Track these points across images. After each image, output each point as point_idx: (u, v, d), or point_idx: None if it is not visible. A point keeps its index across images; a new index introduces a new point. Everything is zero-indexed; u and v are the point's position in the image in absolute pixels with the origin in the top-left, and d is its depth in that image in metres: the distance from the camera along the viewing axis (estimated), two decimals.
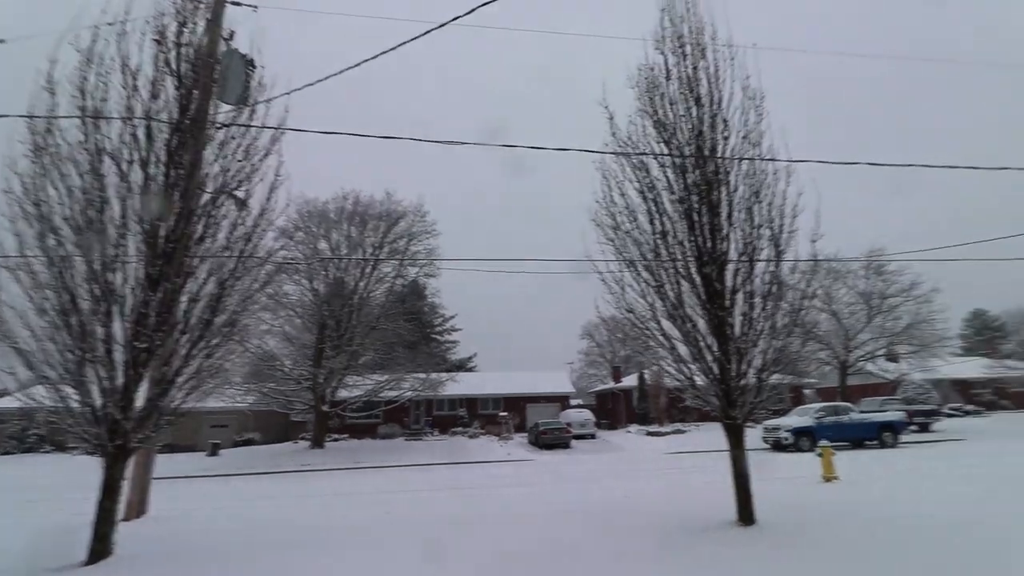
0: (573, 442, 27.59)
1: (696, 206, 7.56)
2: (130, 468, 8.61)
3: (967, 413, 34.62)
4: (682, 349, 7.72)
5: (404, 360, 29.87)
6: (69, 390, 6.45)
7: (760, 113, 7.62)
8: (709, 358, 7.43)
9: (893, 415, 22.31)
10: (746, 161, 7.58)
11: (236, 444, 30.21)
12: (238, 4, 9.33)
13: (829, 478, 11.80)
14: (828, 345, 32.67)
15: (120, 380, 6.54)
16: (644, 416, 35.73)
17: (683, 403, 9.75)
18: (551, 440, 26.45)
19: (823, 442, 12.88)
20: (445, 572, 6.06)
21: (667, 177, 7.79)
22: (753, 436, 16.65)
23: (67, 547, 6.53)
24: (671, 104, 7.82)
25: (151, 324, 6.58)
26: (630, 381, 39.77)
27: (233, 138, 7.56)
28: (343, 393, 28.60)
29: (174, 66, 7.12)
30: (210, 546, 7.46)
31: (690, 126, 7.70)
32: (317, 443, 27.31)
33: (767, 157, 7.54)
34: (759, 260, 7.45)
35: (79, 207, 6.55)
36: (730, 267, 7.48)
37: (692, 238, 7.56)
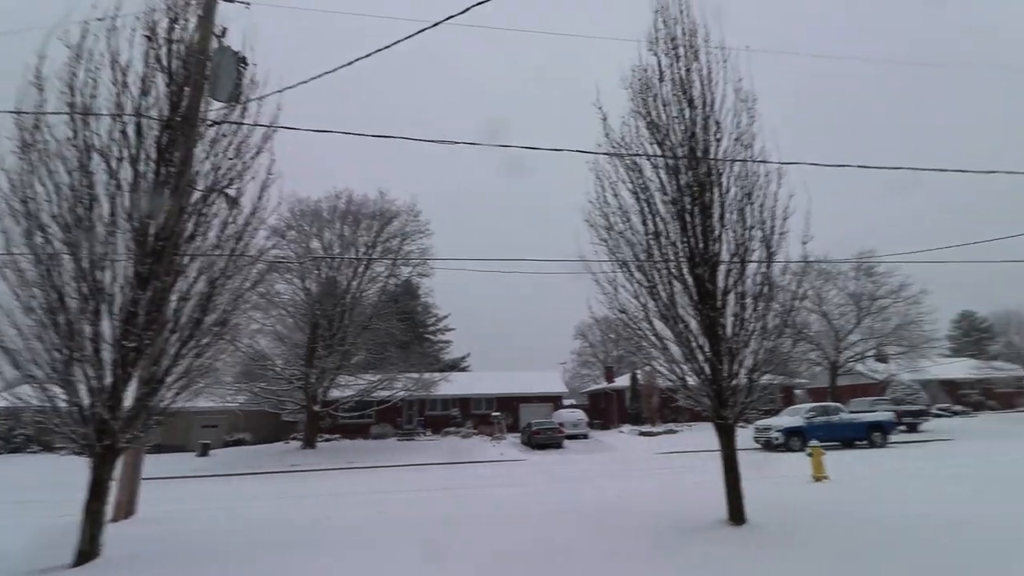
0: (566, 442, 27.62)
1: (689, 207, 7.59)
2: (118, 469, 8.52)
3: (955, 413, 35.04)
4: (674, 349, 7.75)
5: (397, 360, 29.77)
6: (56, 389, 6.36)
7: (752, 115, 7.67)
8: (701, 358, 7.47)
9: (882, 415, 22.52)
10: (738, 163, 7.62)
11: (226, 444, 30.01)
12: (231, 0, 9.26)
13: (819, 478, 11.89)
14: (818, 346, 32.95)
15: (108, 379, 6.47)
16: (637, 416, 35.86)
17: (675, 403, 9.78)
18: (544, 440, 26.47)
19: (813, 442, 12.97)
20: (445, 572, 6.05)
21: (660, 178, 7.82)
22: (744, 436, 16.70)
23: (54, 549, 6.44)
24: (664, 105, 7.85)
25: (140, 323, 6.51)
26: (623, 381, 39.88)
27: (224, 136, 7.50)
28: (335, 393, 28.47)
29: (165, 63, 7.04)
30: (200, 547, 7.39)
31: (683, 127, 7.73)
32: (309, 443, 27.17)
33: (759, 159, 7.59)
34: (751, 261, 7.49)
35: (67, 204, 6.47)
36: (722, 268, 7.52)
37: (684, 239, 7.59)
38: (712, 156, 7.63)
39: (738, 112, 7.67)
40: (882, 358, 34.54)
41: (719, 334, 7.37)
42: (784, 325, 7.66)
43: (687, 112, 7.74)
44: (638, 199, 7.89)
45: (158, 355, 6.82)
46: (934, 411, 32.03)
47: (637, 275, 7.86)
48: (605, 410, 41.88)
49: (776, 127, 7.46)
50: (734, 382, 7.40)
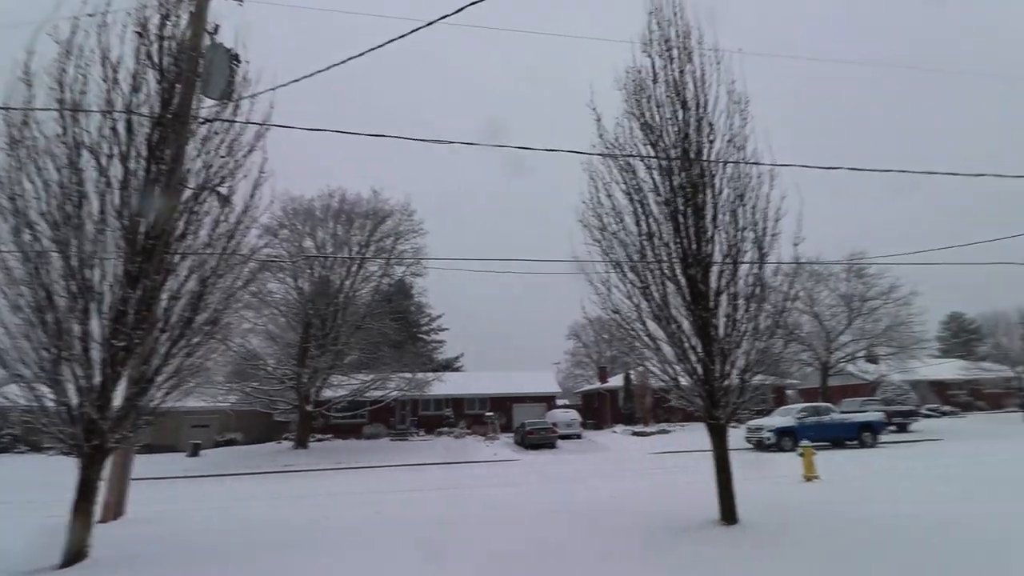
0: (559, 442, 27.65)
1: (682, 208, 7.62)
2: (107, 469, 8.44)
3: (944, 414, 35.42)
4: (667, 350, 7.78)
5: (390, 360, 29.69)
6: (44, 389, 6.29)
7: (745, 117, 7.70)
8: (693, 359, 7.49)
9: (873, 416, 22.73)
10: (731, 164, 7.66)
11: (218, 444, 29.80)
12: None
13: (810, 478, 11.98)
14: (810, 346, 33.20)
15: (97, 379, 6.40)
16: (630, 416, 35.95)
17: (668, 403, 9.81)
18: (537, 440, 26.48)
19: (804, 442, 13.06)
20: (443, 571, 6.05)
21: (653, 179, 7.85)
22: (736, 436, 16.80)
23: (41, 549, 6.36)
24: (658, 107, 7.88)
25: (130, 322, 6.45)
26: (616, 381, 39.98)
27: (216, 133, 7.44)
28: (327, 393, 28.35)
29: (156, 59, 6.97)
30: (192, 548, 7.33)
31: (676, 129, 7.76)
32: (301, 443, 27.03)
33: (751, 161, 7.63)
34: (743, 262, 7.53)
35: (56, 201, 6.40)
36: (714, 269, 7.55)
37: (678, 240, 7.62)
38: (705, 157, 7.67)
39: (731, 114, 7.71)
40: (872, 359, 34.88)
41: (711, 335, 7.40)
42: (776, 326, 7.71)
43: (680, 113, 7.77)
44: (632, 200, 7.91)
45: (148, 354, 6.75)
46: (923, 411, 32.35)
47: (630, 276, 7.88)
48: (598, 410, 41.96)
49: (773, 129, 7.49)
50: (726, 382, 7.43)
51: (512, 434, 31.92)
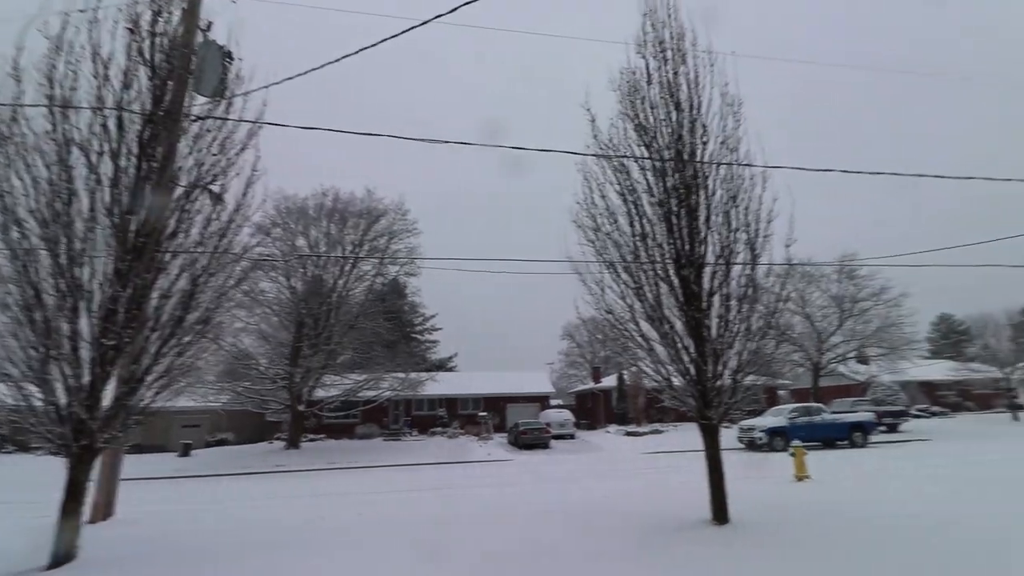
0: (553, 442, 27.68)
1: (675, 209, 7.65)
2: (96, 469, 8.35)
3: (933, 414, 35.76)
4: (660, 350, 7.80)
5: (383, 359, 29.58)
6: (32, 388, 6.22)
7: (738, 119, 7.74)
8: (686, 359, 7.52)
9: (863, 416, 22.93)
10: (724, 166, 7.70)
11: (209, 444, 29.60)
12: None
13: (801, 477, 12.05)
14: (801, 347, 33.41)
15: (86, 378, 6.33)
16: (623, 416, 36.06)
17: (661, 404, 9.84)
18: (531, 440, 26.49)
19: (796, 442, 13.13)
20: (436, 572, 6.03)
21: (647, 180, 7.87)
22: (728, 436, 16.93)
23: (29, 550, 6.30)
24: (652, 108, 7.90)
25: (120, 321, 6.39)
26: (609, 382, 40.08)
27: (208, 131, 7.39)
28: (320, 393, 28.20)
29: (148, 56, 6.92)
30: (182, 548, 7.27)
31: (670, 130, 7.78)
32: (293, 443, 26.89)
33: (744, 162, 7.67)
34: (735, 263, 7.57)
35: (45, 199, 6.33)
36: (707, 270, 7.59)
37: (671, 241, 7.65)
38: (698, 159, 7.70)
39: (724, 116, 7.75)
40: (863, 359, 35.15)
41: (704, 335, 7.44)
42: (768, 327, 7.75)
43: (674, 115, 7.79)
44: (625, 201, 7.93)
45: (138, 353, 6.69)
46: (913, 412, 32.67)
47: (624, 276, 7.90)
48: (592, 410, 42.05)
49: (768, 131, 7.56)
50: (719, 383, 7.47)
51: (506, 434, 31.92)
